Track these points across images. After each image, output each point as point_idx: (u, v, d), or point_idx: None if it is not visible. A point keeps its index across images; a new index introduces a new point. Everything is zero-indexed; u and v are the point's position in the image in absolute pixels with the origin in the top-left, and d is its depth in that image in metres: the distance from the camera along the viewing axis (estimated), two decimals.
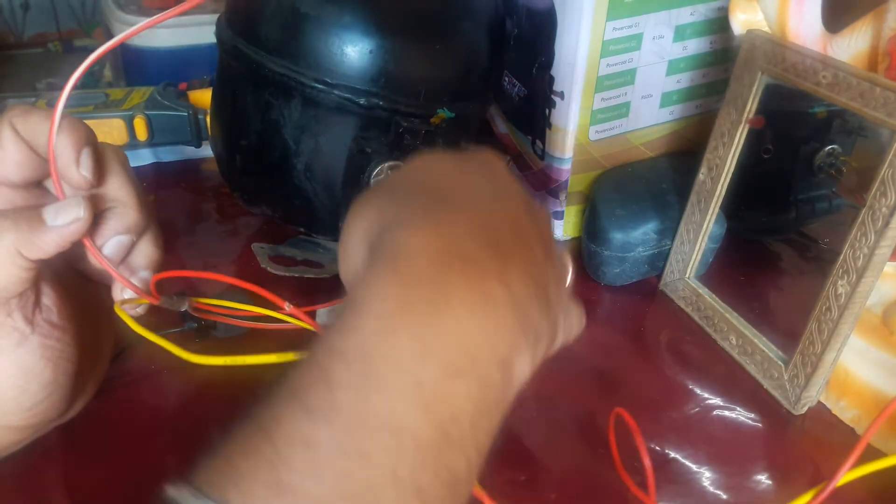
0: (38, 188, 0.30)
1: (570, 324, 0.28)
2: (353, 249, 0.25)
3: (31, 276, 0.27)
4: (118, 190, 0.29)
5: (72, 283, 0.30)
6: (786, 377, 0.40)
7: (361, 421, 0.18)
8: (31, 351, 0.27)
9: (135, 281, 0.30)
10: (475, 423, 0.20)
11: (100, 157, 0.29)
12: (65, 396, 0.29)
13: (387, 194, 0.25)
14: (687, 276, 0.47)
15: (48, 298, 0.28)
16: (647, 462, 0.32)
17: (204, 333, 0.41)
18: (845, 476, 0.31)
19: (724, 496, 0.35)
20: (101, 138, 0.65)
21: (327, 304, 0.40)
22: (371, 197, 0.26)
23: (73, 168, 0.27)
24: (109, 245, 0.29)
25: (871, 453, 0.37)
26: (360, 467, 0.18)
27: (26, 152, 0.28)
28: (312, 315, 0.40)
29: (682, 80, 0.51)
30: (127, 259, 0.30)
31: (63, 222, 0.27)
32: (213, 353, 0.37)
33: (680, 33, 0.49)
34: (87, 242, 0.29)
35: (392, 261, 0.21)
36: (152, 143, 0.59)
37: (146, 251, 0.31)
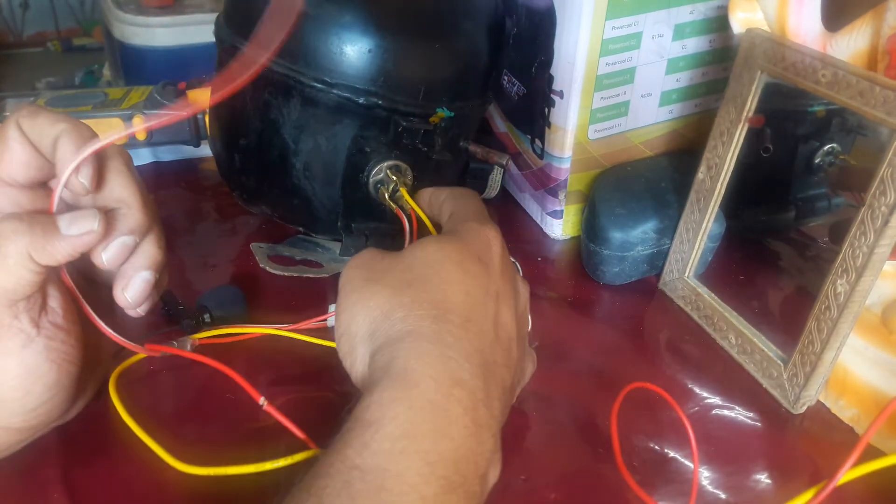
0: (43, 188, 0.30)
1: (526, 375, 0.35)
2: (358, 340, 0.28)
3: (40, 280, 0.27)
4: (122, 191, 0.29)
5: (76, 284, 0.30)
6: (785, 376, 0.40)
7: None
8: (37, 353, 0.28)
9: (137, 280, 0.30)
10: None
11: (103, 159, 0.29)
12: (67, 398, 0.30)
13: (392, 288, 0.29)
14: (686, 275, 0.47)
15: (54, 301, 0.29)
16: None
17: (196, 330, 0.41)
18: (845, 475, 0.31)
19: (724, 495, 0.35)
20: None
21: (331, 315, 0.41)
22: (375, 286, 0.29)
23: (73, 177, 0.28)
24: (113, 246, 0.29)
25: (871, 453, 0.37)
26: None
27: (32, 153, 0.28)
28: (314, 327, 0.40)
29: (681, 79, 0.51)
30: (130, 259, 0.30)
31: (77, 232, 0.27)
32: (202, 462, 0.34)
33: (679, 32, 0.49)
34: (76, 294, 0.29)
35: (403, 384, 0.25)
36: (151, 142, 0.59)
37: (149, 251, 0.31)
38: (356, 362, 0.28)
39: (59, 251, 0.27)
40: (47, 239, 0.27)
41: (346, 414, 0.25)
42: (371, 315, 0.28)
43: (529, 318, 0.35)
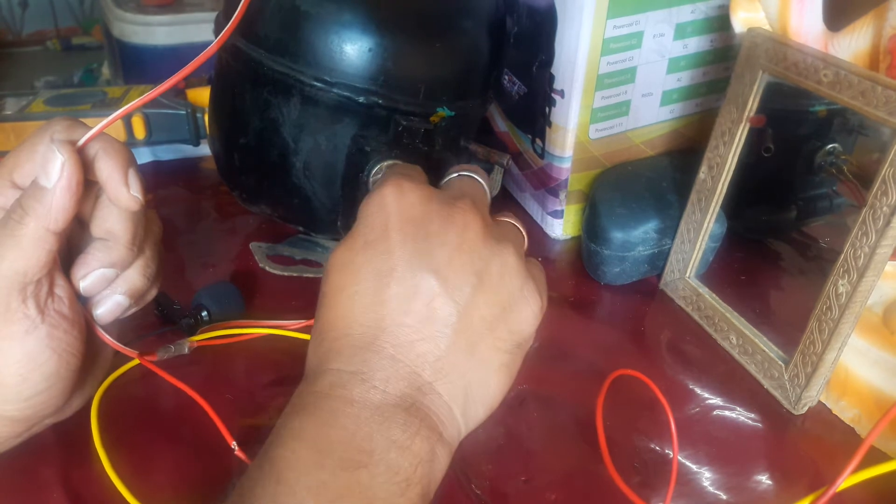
0: None
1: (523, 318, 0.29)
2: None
3: (51, 261, 0.27)
4: (113, 224, 0.29)
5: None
6: (786, 377, 0.39)
7: None
8: (39, 340, 0.27)
9: (110, 302, 0.30)
10: (390, 500, 0.24)
11: (100, 189, 0.29)
12: (64, 391, 0.29)
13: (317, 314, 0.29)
14: (687, 275, 0.47)
15: (61, 290, 0.28)
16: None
17: (194, 329, 0.41)
18: (847, 480, 0.30)
19: (725, 496, 0.35)
20: None
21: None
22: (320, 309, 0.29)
23: (123, 190, 0.28)
24: (92, 276, 0.29)
25: (873, 454, 0.37)
26: None
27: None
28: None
29: (682, 79, 0.51)
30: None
31: (56, 174, 0.26)
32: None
33: (680, 31, 0.49)
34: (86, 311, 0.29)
35: (293, 408, 0.26)
36: (150, 141, 0.59)
37: (131, 279, 0.30)
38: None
39: (60, 202, 0.26)
40: (44, 201, 0.26)
41: None
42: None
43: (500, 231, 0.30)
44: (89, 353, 0.31)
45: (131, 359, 0.34)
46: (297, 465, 0.24)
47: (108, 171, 0.28)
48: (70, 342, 0.28)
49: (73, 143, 0.27)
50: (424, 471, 0.25)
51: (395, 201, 0.28)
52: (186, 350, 0.38)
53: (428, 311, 0.27)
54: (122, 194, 0.28)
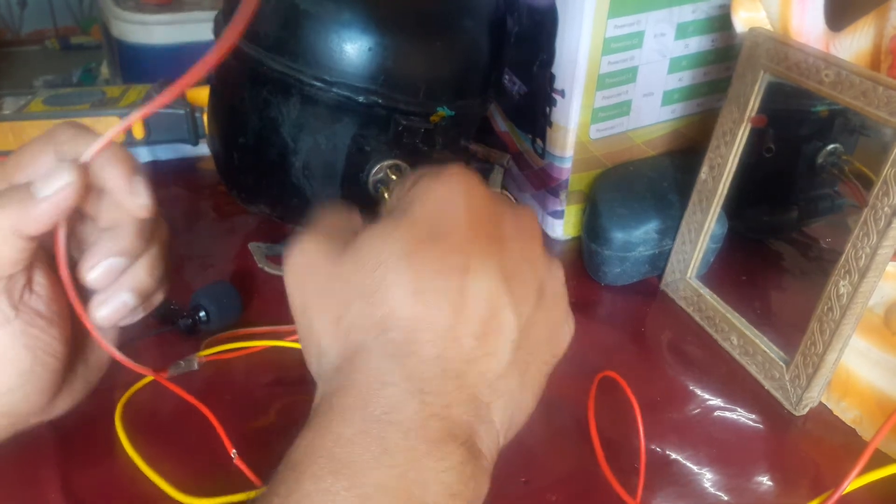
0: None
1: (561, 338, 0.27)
2: (313, 354, 0.25)
3: (25, 258, 0.26)
4: (121, 213, 0.29)
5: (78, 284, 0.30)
6: (787, 378, 0.39)
7: None
8: (11, 336, 0.27)
9: (116, 300, 0.29)
10: None
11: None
12: (43, 390, 0.29)
13: (335, 308, 0.24)
14: (688, 275, 0.46)
15: (40, 287, 0.28)
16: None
17: (192, 329, 0.41)
18: (851, 483, 0.30)
19: (726, 497, 0.35)
20: None
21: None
22: (323, 300, 0.25)
23: (131, 199, 0.28)
24: (101, 266, 0.28)
25: (876, 456, 0.37)
26: None
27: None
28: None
29: (683, 79, 0.51)
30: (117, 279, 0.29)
31: (53, 191, 0.26)
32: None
33: (682, 31, 0.49)
34: (80, 310, 0.28)
35: (328, 420, 0.22)
36: (149, 141, 0.59)
37: (138, 276, 0.29)
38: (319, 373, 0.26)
39: (42, 215, 0.25)
40: (25, 207, 0.25)
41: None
42: (323, 333, 0.25)
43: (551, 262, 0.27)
44: (77, 356, 0.30)
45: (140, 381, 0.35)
46: None
47: (115, 179, 0.27)
48: (47, 341, 0.28)
49: (83, 166, 0.27)
50: (478, 501, 0.23)
51: (465, 194, 0.24)
52: (196, 366, 0.39)
53: (495, 322, 0.23)
54: (130, 203, 0.28)
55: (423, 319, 0.23)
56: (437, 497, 0.21)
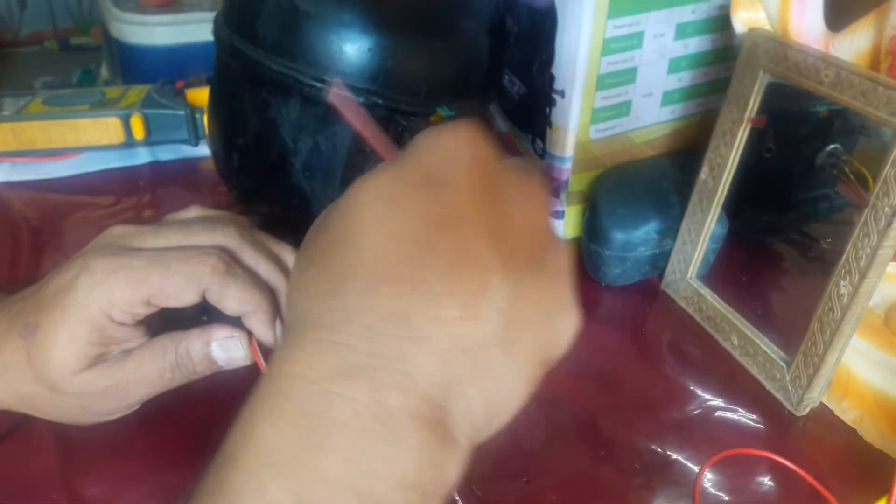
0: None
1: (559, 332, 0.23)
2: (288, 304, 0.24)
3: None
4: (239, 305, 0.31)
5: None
6: (788, 378, 0.39)
7: None
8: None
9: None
10: None
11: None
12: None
13: (301, 266, 0.22)
14: (688, 276, 0.46)
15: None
16: None
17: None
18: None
19: (726, 497, 0.35)
20: (97, 137, 0.65)
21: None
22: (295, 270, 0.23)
23: (271, 340, 0.31)
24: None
25: (876, 455, 0.37)
26: None
27: (196, 302, 0.30)
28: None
29: (683, 79, 0.51)
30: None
31: (225, 361, 0.32)
32: None
33: (681, 31, 0.49)
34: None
35: (266, 397, 0.19)
36: (149, 141, 0.59)
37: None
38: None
39: (195, 363, 0.31)
40: (199, 373, 0.32)
41: None
42: (296, 285, 0.22)
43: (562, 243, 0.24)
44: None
45: None
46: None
47: (256, 329, 0.31)
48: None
49: (256, 352, 0.32)
50: (440, 492, 0.20)
51: (469, 145, 0.22)
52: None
53: (480, 284, 0.20)
54: (268, 344, 0.31)
55: (391, 268, 0.19)
56: (387, 489, 0.18)
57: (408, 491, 0.18)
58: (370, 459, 0.18)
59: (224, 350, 0.31)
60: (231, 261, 0.31)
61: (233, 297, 0.30)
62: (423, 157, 0.22)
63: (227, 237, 0.32)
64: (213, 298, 0.30)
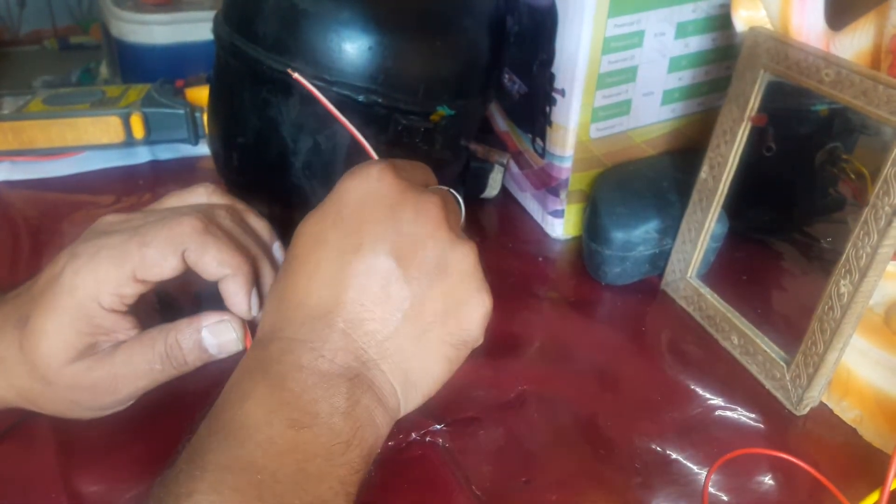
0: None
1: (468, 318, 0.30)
2: None
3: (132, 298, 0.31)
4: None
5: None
6: (788, 377, 0.39)
7: (228, 468, 0.24)
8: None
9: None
10: (331, 458, 0.25)
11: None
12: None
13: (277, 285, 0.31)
14: (688, 275, 0.46)
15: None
16: None
17: None
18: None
19: (726, 497, 0.35)
20: (97, 136, 0.65)
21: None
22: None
23: (245, 311, 0.32)
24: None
25: (875, 454, 0.37)
26: (231, 500, 0.23)
27: (179, 271, 0.30)
28: None
29: (683, 78, 0.51)
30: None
31: (217, 349, 0.32)
32: None
33: (682, 30, 0.48)
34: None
35: (239, 376, 0.28)
36: (149, 140, 0.59)
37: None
38: None
39: (188, 353, 0.32)
40: (190, 364, 0.32)
41: None
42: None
43: (459, 214, 0.32)
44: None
45: None
46: (247, 423, 0.25)
47: (233, 294, 0.31)
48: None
49: (245, 327, 0.32)
50: (365, 434, 0.27)
51: (374, 181, 0.29)
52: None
53: (383, 293, 0.28)
54: (243, 313, 0.32)
55: (316, 290, 0.28)
56: (324, 410, 0.26)
57: (345, 417, 0.27)
58: (313, 402, 0.26)
59: (214, 335, 0.31)
60: (209, 221, 0.31)
61: (213, 257, 0.30)
62: (341, 197, 0.29)
63: (207, 202, 0.34)
64: (193, 259, 0.30)
